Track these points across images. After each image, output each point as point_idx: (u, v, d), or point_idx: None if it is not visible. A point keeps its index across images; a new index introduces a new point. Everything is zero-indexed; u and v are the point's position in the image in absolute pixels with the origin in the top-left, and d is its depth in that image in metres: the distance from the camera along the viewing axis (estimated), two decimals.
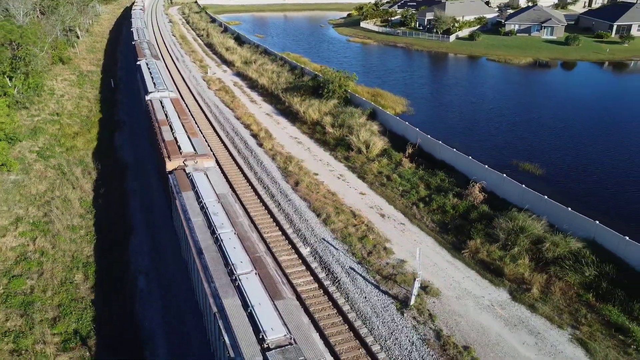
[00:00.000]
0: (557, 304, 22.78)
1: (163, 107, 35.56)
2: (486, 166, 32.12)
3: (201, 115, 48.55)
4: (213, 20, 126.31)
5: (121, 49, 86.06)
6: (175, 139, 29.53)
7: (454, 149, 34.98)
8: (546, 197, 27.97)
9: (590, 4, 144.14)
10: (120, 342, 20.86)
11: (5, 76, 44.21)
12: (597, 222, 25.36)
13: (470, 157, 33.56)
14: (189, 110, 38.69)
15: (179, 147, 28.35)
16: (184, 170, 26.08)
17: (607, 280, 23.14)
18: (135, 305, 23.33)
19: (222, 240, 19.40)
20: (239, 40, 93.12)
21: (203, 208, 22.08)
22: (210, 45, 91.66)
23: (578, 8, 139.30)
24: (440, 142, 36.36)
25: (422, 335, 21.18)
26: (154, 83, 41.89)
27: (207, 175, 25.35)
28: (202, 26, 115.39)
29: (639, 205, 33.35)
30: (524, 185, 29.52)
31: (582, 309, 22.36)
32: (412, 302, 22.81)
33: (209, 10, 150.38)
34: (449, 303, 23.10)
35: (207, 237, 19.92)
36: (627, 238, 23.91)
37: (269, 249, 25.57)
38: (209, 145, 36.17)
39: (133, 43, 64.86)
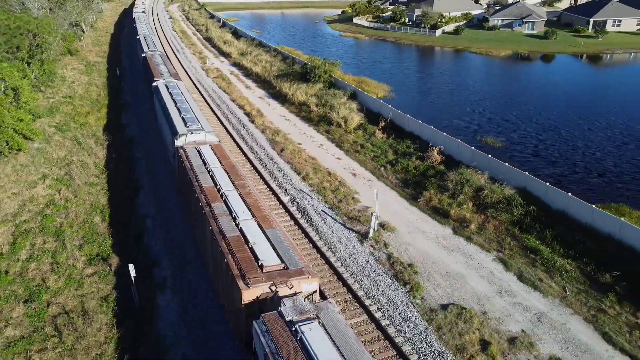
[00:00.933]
0: (489, 236, 27.98)
1: (204, 162, 25.56)
2: (444, 133, 37.30)
3: (200, 99, 53.68)
4: (212, 17, 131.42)
5: (123, 44, 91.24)
6: (242, 232, 19.02)
7: (420, 121, 40.14)
8: (490, 155, 33.20)
9: (575, 2, 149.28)
10: (134, 261, 26.06)
11: (24, 62, 49.39)
12: (527, 173, 30.56)
13: (432, 127, 38.70)
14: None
15: (255, 256, 17.64)
16: (282, 315, 14.86)
17: (530, 217, 28.36)
18: (144, 238, 28.56)
19: None
20: (236, 34, 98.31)
21: None
22: (209, 39, 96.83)
23: (564, 5, 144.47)
24: (408, 115, 41.55)
25: (376, 257, 26.34)
26: (183, 118, 31.55)
27: (325, 328, 14.45)
28: (201, 22, 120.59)
29: (571, 165, 38.76)
30: (473, 147, 34.73)
31: (508, 238, 27.56)
32: (371, 234, 27.97)
33: (209, 7, 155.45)
34: (402, 236, 28.28)
35: None
36: (548, 184, 29.10)
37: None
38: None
39: (143, 55, 55.55)
